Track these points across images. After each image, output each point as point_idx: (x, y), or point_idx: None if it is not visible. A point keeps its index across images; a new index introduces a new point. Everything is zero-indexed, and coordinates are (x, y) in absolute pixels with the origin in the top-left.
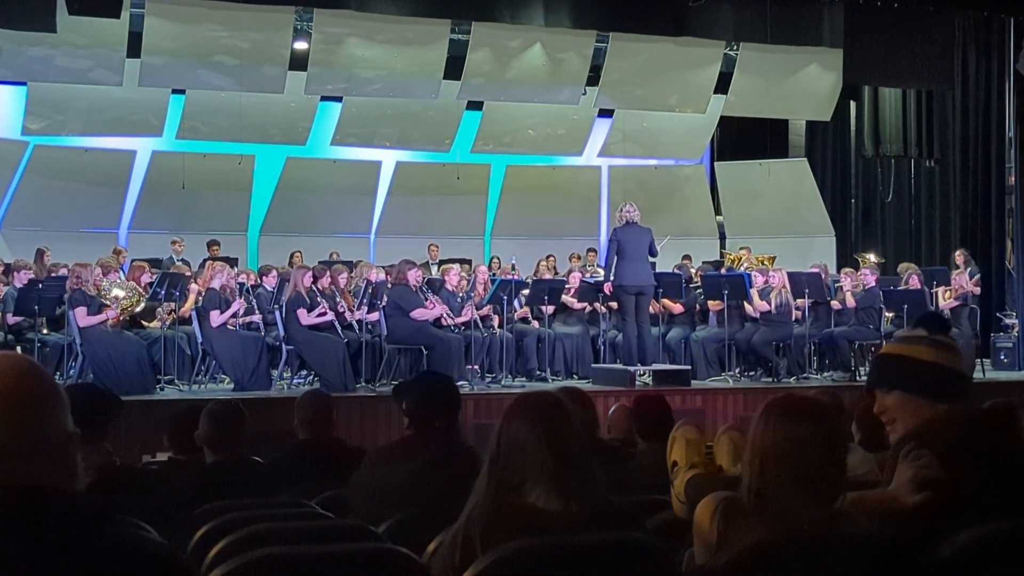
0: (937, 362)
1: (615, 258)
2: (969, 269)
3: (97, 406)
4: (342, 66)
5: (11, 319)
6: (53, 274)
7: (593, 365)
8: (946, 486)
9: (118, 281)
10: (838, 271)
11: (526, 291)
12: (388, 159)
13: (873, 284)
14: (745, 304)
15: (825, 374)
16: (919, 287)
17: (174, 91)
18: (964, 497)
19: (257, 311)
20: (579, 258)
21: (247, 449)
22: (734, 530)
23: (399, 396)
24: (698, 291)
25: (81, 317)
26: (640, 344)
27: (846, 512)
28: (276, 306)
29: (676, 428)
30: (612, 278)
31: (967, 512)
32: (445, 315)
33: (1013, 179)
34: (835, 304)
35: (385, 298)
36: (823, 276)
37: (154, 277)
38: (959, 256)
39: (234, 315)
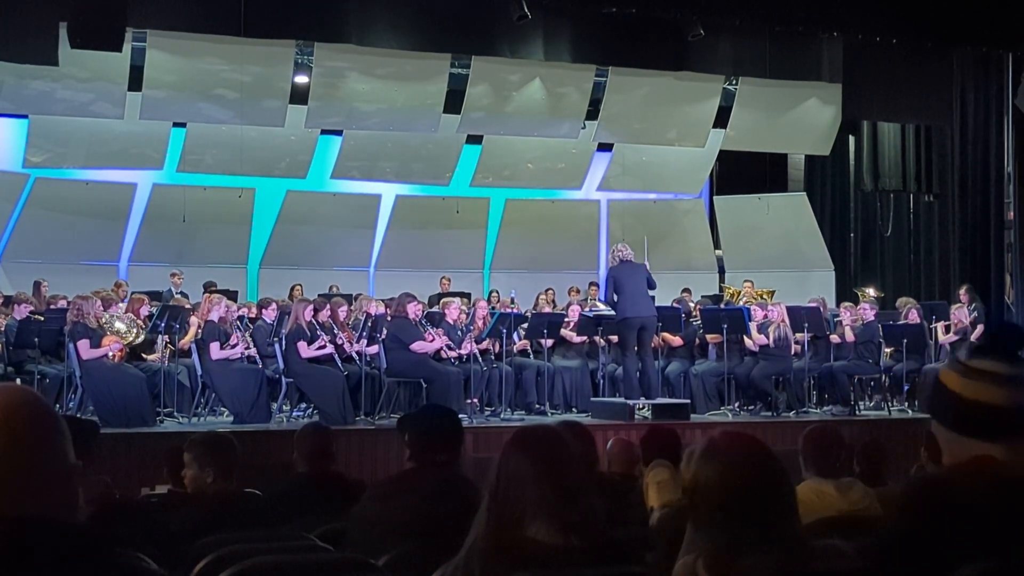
0: (1007, 406)
1: (615, 296)
2: (974, 305)
3: (74, 435)
4: (342, 100)
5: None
6: (52, 306)
7: (592, 399)
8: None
9: (118, 314)
10: (837, 305)
11: (525, 325)
12: (388, 192)
13: (872, 318)
14: (744, 338)
15: (824, 408)
16: (918, 321)
17: (175, 124)
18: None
19: (253, 347)
20: (578, 291)
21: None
22: None
23: (403, 428)
24: (697, 325)
25: (84, 350)
26: (643, 378)
27: (817, 548)
28: (276, 339)
29: (648, 471)
30: (616, 313)
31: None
32: (445, 347)
33: (1012, 214)
34: (834, 338)
35: (384, 331)
36: (822, 310)
37: (153, 309)
38: (963, 293)
39: (232, 347)
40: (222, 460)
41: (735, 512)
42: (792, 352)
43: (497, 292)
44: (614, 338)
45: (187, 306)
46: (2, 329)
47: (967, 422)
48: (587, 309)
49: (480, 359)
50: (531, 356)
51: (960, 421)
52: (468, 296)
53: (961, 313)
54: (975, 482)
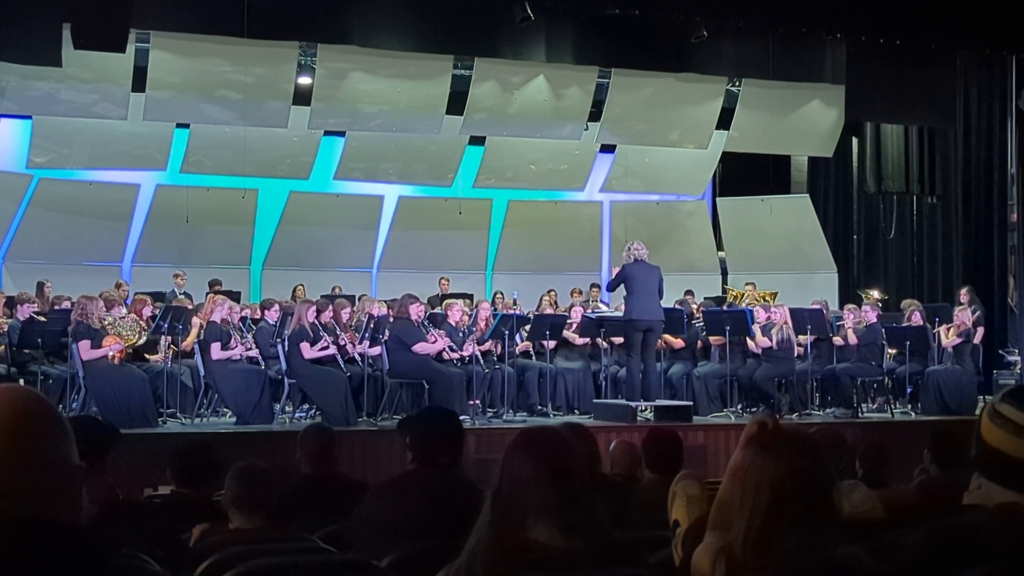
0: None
1: (617, 285)
2: (974, 307)
3: (95, 438)
4: (345, 101)
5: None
6: (56, 307)
7: (595, 400)
8: None
9: (120, 315)
10: (840, 307)
11: (527, 326)
12: (390, 194)
13: (875, 320)
14: (747, 340)
15: (827, 411)
16: (921, 324)
17: (178, 125)
18: None
19: (255, 348)
20: (580, 293)
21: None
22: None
23: (404, 430)
24: (700, 326)
25: (85, 350)
26: (644, 380)
27: (847, 552)
28: (279, 340)
29: (677, 482)
30: (623, 313)
31: None
32: (447, 348)
33: (1015, 216)
34: (837, 340)
35: (387, 332)
36: (825, 312)
37: (156, 310)
38: (964, 295)
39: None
40: (269, 500)
41: (781, 503)
42: (795, 354)
43: (500, 294)
44: (616, 340)
45: (190, 307)
46: (5, 330)
47: (988, 467)
48: (590, 311)
49: (482, 360)
50: (533, 357)
51: (982, 465)
52: (471, 297)
53: (964, 315)
54: (998, 530)
